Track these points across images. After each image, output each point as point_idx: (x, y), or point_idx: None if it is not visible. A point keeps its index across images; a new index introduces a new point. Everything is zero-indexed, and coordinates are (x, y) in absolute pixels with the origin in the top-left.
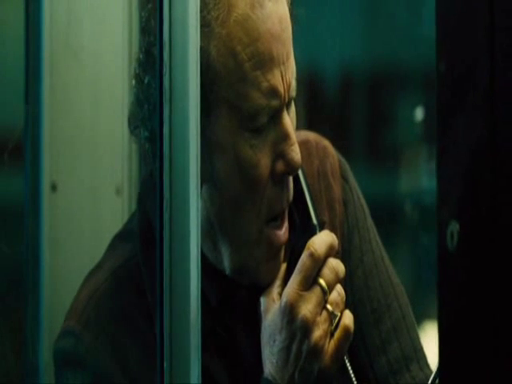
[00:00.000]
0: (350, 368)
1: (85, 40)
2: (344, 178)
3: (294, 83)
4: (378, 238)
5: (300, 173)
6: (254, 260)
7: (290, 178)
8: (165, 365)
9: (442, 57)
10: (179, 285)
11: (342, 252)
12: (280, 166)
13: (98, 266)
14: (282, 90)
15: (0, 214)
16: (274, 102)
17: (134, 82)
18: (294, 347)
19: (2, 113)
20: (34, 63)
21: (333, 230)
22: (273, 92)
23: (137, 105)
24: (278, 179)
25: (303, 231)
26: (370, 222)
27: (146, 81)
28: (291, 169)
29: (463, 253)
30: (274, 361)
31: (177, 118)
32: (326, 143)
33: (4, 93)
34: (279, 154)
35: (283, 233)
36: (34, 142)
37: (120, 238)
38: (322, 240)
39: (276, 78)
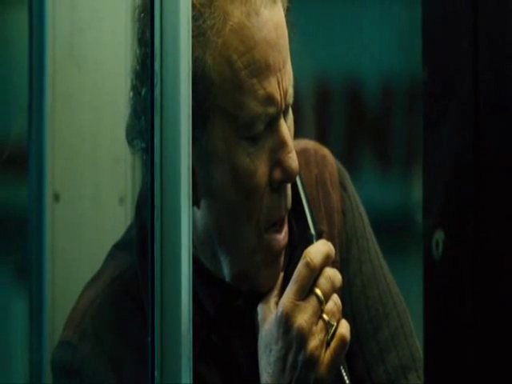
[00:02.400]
0: (346, 378)
1: (87, 50)
2: (343, 186)
3: (290, 90)
4: (377, 246)
5: (298, 182)
6: (254, 266)
7: (289, 186)
8: (156, 374)
9: (426, 65)
10: (170, 294)
11: (340, 261)
12: (277, 173)
13: (97, 276)
14: (278, 97)
15: (2, 224)
16: (271, 110)
17: (131, 93)
18: (290, 357)
19: (5, 123)
20: (37, 73)
21: (331, 239)
22: (269, 99)
23: (134, 116)
24: (276, 187)
25: (301, 240)
26: (368, 230)
27: (142, 92)
28: (288, 176)
29: (448, 261)
30: (271, 371)
31: (168, 127)
32: (326, 152)
33: (7, 103)
34: (276, 161)
35: (283, 237)
36: (37, 152)
37: (118, 247)
38: (318, 249)
39: (272, 86)
